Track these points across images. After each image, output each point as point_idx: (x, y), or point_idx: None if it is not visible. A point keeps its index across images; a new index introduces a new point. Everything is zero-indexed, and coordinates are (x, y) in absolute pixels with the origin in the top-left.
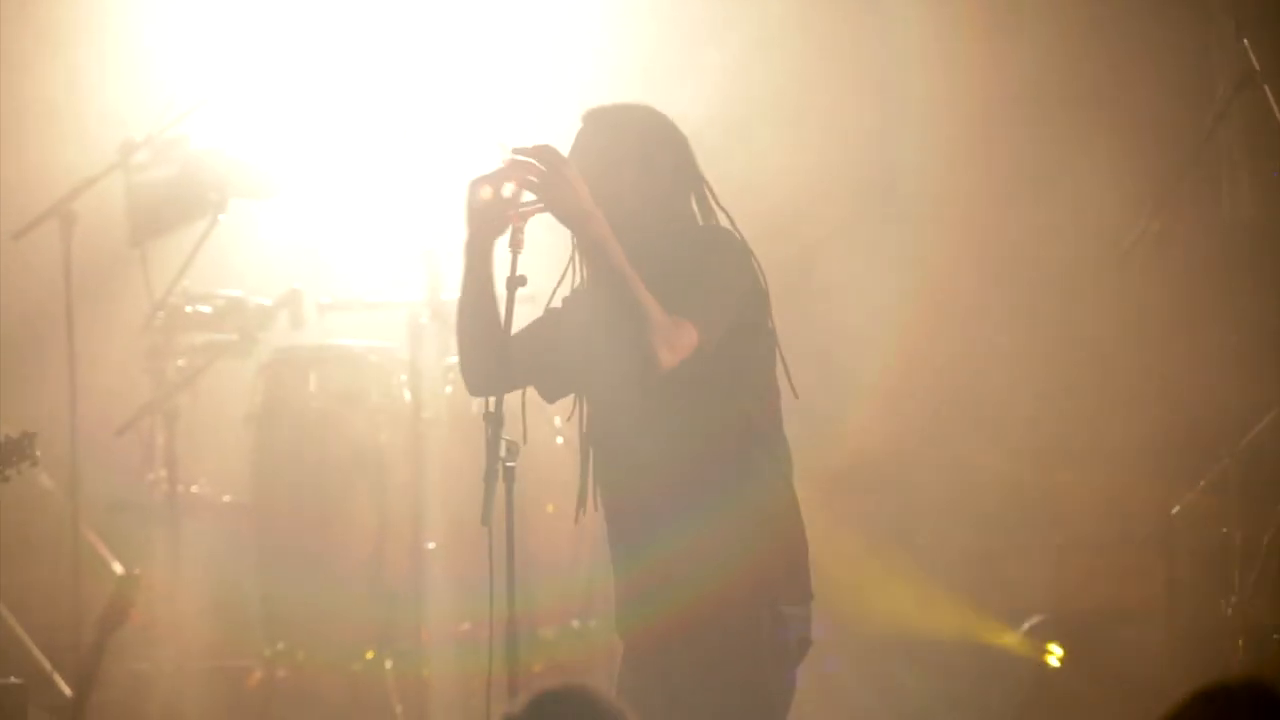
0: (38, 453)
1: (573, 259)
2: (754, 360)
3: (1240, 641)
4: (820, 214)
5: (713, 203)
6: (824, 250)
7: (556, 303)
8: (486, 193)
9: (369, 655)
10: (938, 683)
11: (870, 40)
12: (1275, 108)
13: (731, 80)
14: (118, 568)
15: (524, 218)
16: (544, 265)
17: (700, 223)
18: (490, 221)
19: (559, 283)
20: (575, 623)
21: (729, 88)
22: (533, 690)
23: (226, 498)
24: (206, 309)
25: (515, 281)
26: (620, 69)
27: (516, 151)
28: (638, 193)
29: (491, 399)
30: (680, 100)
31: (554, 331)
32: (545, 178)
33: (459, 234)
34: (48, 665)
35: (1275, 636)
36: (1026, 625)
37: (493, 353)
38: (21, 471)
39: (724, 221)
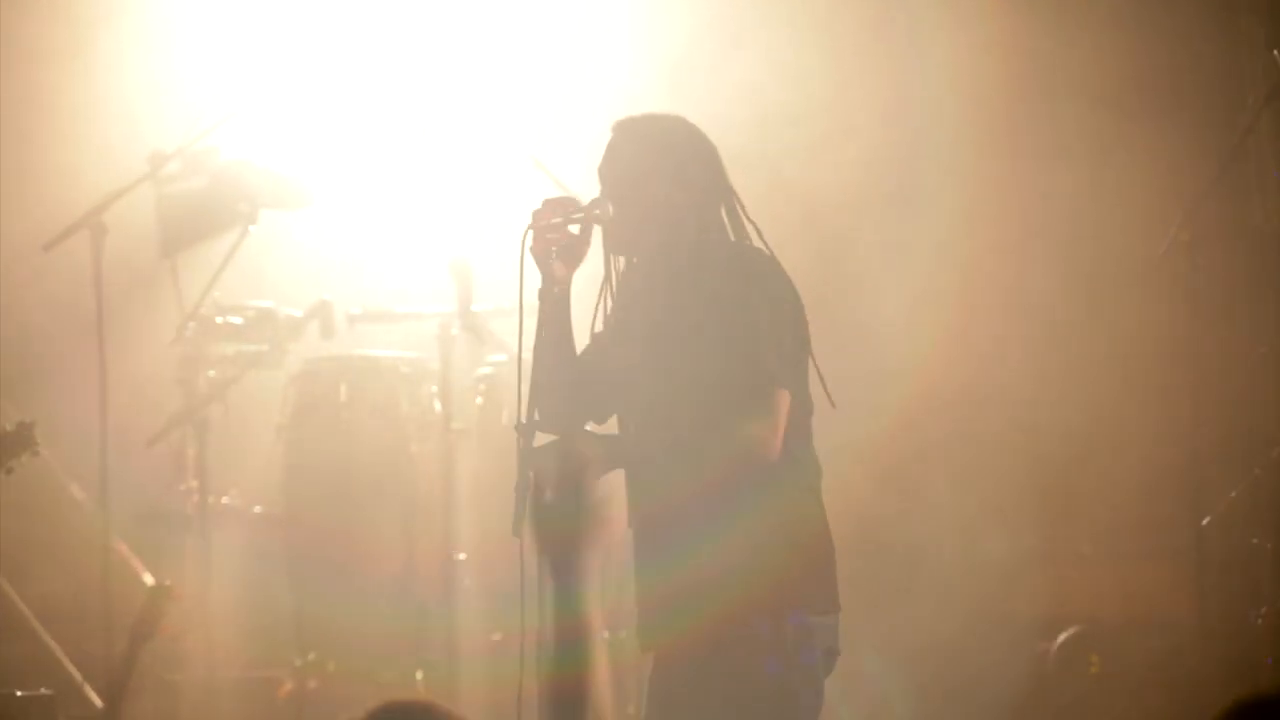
0: (38, 441)
1: (607, 280)
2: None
3: (1271, 651)
4: (851, 210)
5: (742, 215)
6: (855, 246)
7: (592, 325)
8: (560, 224)
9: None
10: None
11: (898, 38)
12: None
13: (758, 80)
14: (148, 579)
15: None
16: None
17: (731, 235)
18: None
19: (596, 309)
20: (605, 634)
21: (755, 87)
22: (374, 703)
23: (257, 508)
24: (237, 320)
25: (549, 295)
26: (648, 74)
27: None
28: (668, 203)
29: (523, 410)
30: (708, 101)
31: (597, 359)
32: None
33: (489, 245)
34: (78, 676)
35: None
36: (1062, 637)
37: (579, 395)
38: (23, 462)
39: (752, 233)
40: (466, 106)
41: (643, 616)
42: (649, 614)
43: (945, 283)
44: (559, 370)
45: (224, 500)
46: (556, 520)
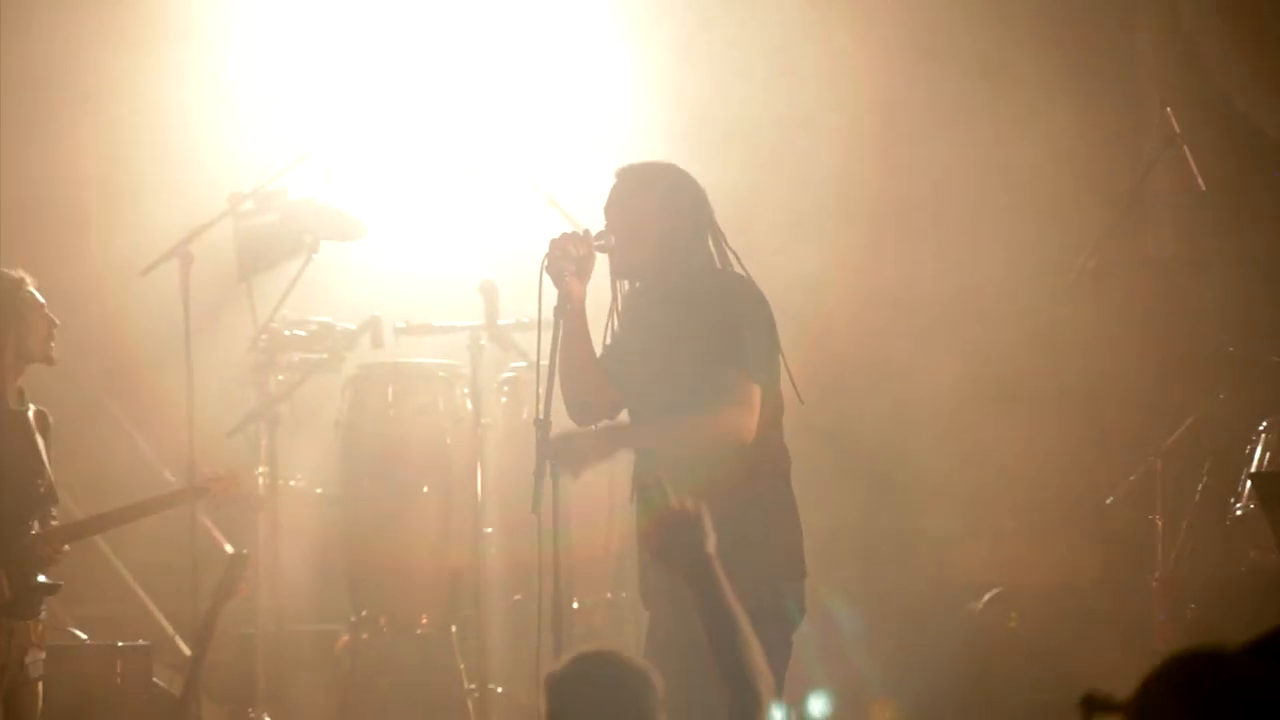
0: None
1: (614, 305)
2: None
3: (1161, 610)
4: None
5: (726, 247)
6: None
7: (604, 339)
8: (572, 251)
9: (425, 620)
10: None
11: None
12: (1193, 164)
13: (688, 95)
14: (229, 548)
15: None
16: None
17: (718, 263)
18: (584, 273)
19: (607, 324)
20: (609, 595)
21: (693, 105)
22: (573, 653)
23: (319, 490)
24: (302, 332)
25: (564, 310)
26: (649, 123)
27: None
28: (661, 234)
29: (540, 407)
30: (701, 147)
31: (608, 365)
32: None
33: (512, 269)
34: (170, 629)
35: (1192, 606)
36: (987, 596)
37: (600, 389)
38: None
39: (733, 260)
40: (494, 154)
41: (642, 579)
42: (647, 577)
43: (885, 299)
44: (580, 367)
45: (291, 483)
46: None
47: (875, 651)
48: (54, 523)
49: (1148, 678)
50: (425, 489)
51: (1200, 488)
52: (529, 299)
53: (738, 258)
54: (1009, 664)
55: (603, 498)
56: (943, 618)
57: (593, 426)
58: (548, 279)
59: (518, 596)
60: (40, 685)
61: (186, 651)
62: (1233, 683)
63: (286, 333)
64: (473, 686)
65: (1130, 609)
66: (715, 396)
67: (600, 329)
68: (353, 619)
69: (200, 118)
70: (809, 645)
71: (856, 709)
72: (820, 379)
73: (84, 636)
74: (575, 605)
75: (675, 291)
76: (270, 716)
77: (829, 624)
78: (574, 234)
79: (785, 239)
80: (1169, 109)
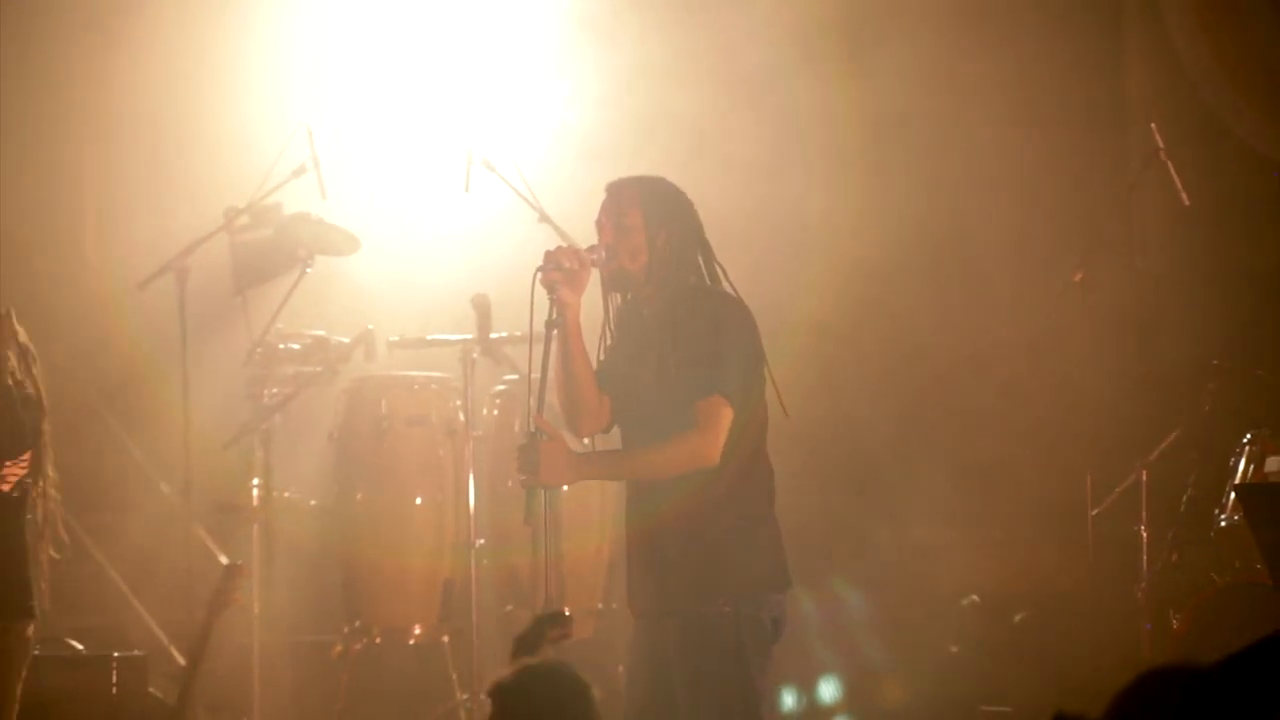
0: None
1: (606, 319)
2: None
3: (1146, 620)
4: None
5: (715, 263)
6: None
7: (599, 352)
8: (565, 264)
9: (418, 630)
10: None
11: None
12: (1176, 180)
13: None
14: (223, 559)
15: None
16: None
17: (706, 276)
18: (576, 286)
19: (600, 343)
20: (599, 605)
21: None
22: (519, 663)
23: (313, 501)
24: (296, 346)
25: (555, 324)
26: (639, 141)
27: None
28: (652, 248)
29: (532, 421)
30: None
31: (601, 379)
32: (530, 472)
33: (505, 284)
34: (165, 640)
35: (1176, 617)
36: (964, 601)
37: (597, 399)
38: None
39: (721, 275)
40: (487, 173)
41: (630, 591)
42: (635, 590)
43: (875, 308)
44: (575, 377)
45: (285, 494)
46: None
47: (873, 644)
48: None
49: (1118, 693)
50: (418, 500)
51: (1185, 499)
52: (521, 313)
53: (725, 273)
54: (995, 673)
55: (594, 508)
56: (929, 626)
57: (584, 441)
58: (540, 292)
59: (510, 607)
60: None
61: (182, 662)
62: (1203, 699)
63: (281, 346)
64: (465, 696)
65: (1115, 620)
66: (685, 422)
67: (594, 344)
68: (346, 629)
69: (195, 133)
70: (815, 630)
71: (862, 691)
72: (810, 388)
73: (80, 647)
74: (566, 614)
75: (663, 308)
76: None
77: (836, 608)
78: (568, 248)
79: (781, 245)
80: (1153, 124)
